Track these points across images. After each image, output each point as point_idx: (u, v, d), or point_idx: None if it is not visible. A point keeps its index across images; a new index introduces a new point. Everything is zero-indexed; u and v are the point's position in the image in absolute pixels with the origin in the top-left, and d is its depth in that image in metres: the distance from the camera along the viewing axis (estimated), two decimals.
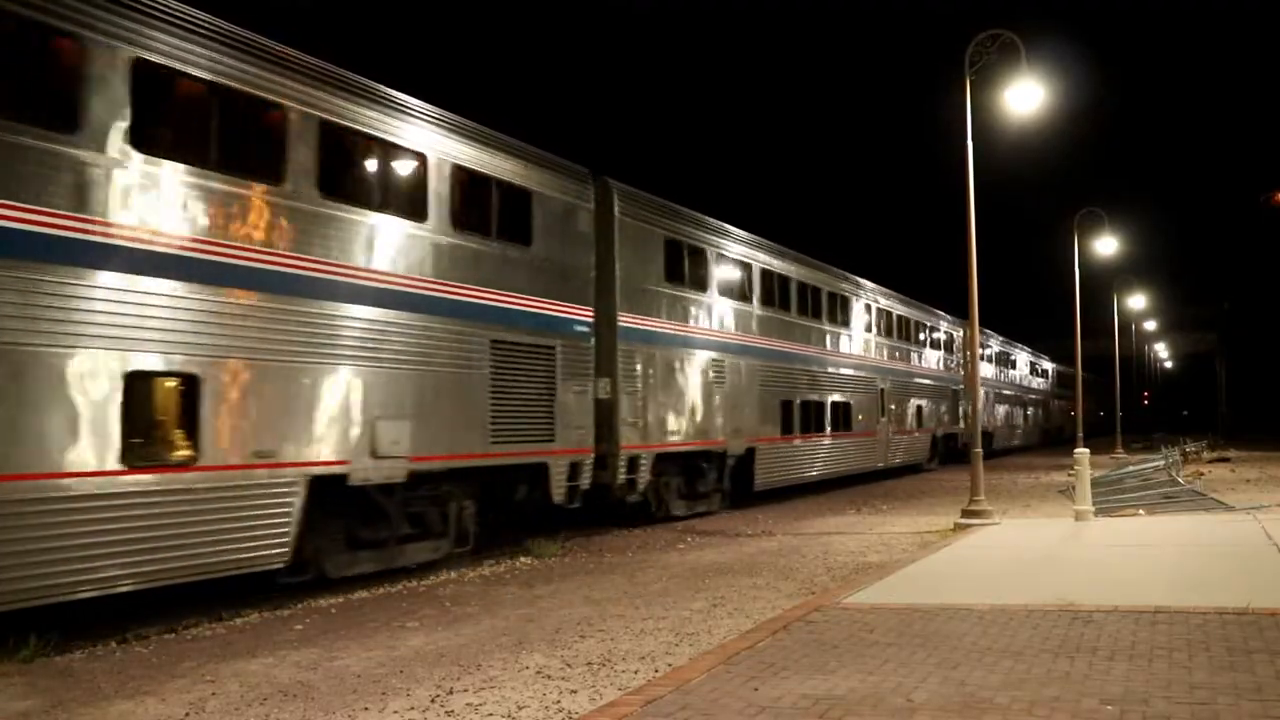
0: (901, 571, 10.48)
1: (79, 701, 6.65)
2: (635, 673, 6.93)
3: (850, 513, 19.18)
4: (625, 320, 16.00)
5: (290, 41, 10.45)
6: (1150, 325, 71.68)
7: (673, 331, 17.39)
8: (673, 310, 17.41)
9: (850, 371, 25.88)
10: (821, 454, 23.57)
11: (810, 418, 22.93)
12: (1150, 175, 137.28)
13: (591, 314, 14.93)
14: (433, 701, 6.40)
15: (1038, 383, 56.44)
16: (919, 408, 32.09)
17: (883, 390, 28.37)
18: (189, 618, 9.40)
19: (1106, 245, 35.07)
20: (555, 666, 7.22)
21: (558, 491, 13.85)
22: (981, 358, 37.81)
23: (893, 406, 29.21)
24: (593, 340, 14.88)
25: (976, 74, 16.06)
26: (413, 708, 6.28)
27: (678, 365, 17.32)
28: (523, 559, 13.34)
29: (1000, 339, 45.91)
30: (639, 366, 16.16)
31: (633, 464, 15.85)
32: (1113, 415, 51.28)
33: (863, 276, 29.06)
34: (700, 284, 18.50)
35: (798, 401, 22.25)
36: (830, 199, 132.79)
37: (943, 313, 36.29)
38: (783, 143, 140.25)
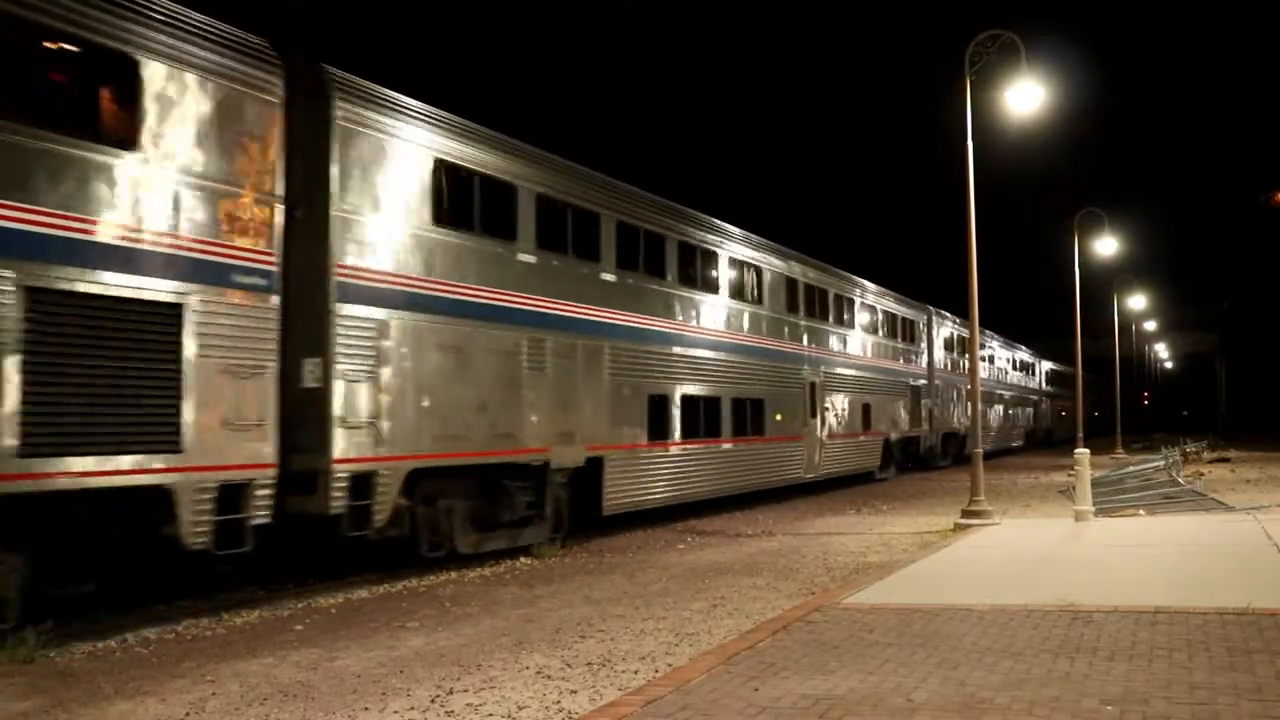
0: (902, 572, 10.48)
1: (79, 701, 6.65)
2: (635, 673, 6.93)
3: (850, 513, 19.18)
4: (352, 274, 11.04)
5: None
6: (1150, 325, 71.73)
7: (449, 295, 12.35)
8: (452, 265, 12.43)
9: (763, 361, 20.77)
10: (714, 464, 18.53)
11: (697, 418, 17.98)
12: (1150, 175, 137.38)
13: (274, 259, 10.21)
14: (433, 701, 6.40)
15: (1023, 380, 52.24)
16: (866, 406, 27.00)
17: (813, 385, 23.32)
18: (189, 618, 9.41)
19: (1106, 245, 35.11)
20: (555, 667, 7.22)
21: (193, 530, 9.19)
22: (948, 349, 36.14)
23: (827, 406, 24.16)
24: (277, 299, 10.21)
25: (976, 74, 16.07)
26: (413, 708, 6.28)
27: (459, 343, 12.39)
28: (523, 559, 13.34)
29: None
30: (380, 342, 11.30)
31: (362, 484, 10.93)
32: (1109, 415, 51.11)
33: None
34: (504, 231, 13.44)
35: (676, 397, 17.22)
36: (831, 199, 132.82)
37: (901, 295, 31.49)
38: (783, 143, 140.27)
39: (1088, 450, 16.40)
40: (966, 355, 37.73)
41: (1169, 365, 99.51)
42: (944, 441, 34.96)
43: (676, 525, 17.23)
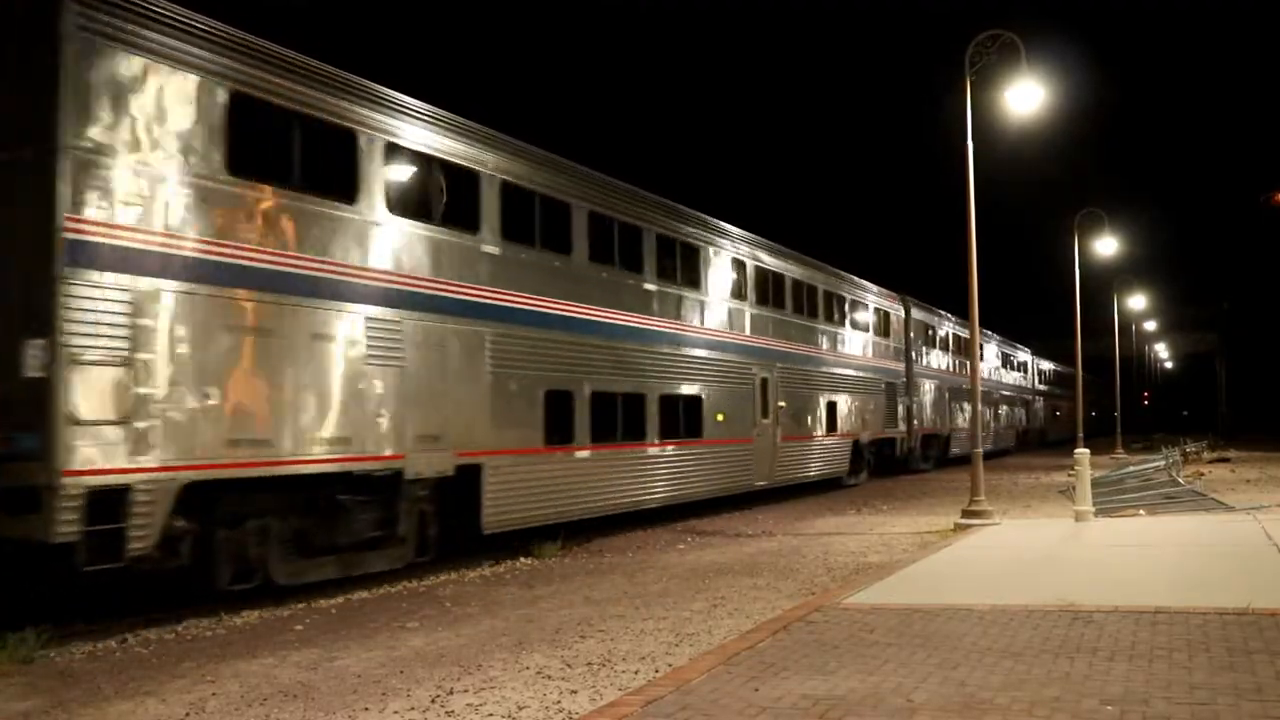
0: (902, 572, 10.48)
1: (79, 701, 6.65)
2: (635, 673, 6.93)
3: (850, 513, 19.18)
4: (94, 232, 8.53)
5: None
6: (1150, 325, 71.72)
7: (251, 263, 9.78)
8: (259, 227, 9.92)
9: (702, 353, 18.26)
10: (634, 471, 15.98)
11: (613, 418, 15.47)
12: (1150, 175, 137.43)
13: None
14: (433, 702, 6.40)
15: (1013, 378, 49.81)
16: (832, 405, 24.39)
17: (765, 381, 20.66)
18: (189, 618, 9.40)
19: (1106, 245, 35.12)
20: (555, 667, 7.22)
21: None
22: (929, 343, 33.96)
23: (783, 404, 21.41)
24: None
25: (976, 74, 16.06)
26: (413, 708, 6.28)
27: (269, 325, 9.91)
28: (523, 559, 13.34)
29: (954, 321, 37.07)
30: (140, 320, 8.79)
31: (109, 503, 8.42)
32: (1106, 416, 50.81)
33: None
34: (339, 189, 10.90)
35: (584, 393, 14.68)
36: (831, 199, 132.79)
37: (870, 284, 28.58)
38: (783, 143, 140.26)
39: (1088, 450, 16.40)
40: (950, 351, 36.46)
41: (1169, 365, 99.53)
42: (925, 443, 32.93)
43: (676, 525, 17.23)
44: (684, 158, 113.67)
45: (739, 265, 20.16)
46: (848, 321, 26.15)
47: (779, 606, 9.19)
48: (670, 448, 16.95)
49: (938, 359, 34.86)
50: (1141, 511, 16.47)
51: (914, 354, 31.88)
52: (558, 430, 14.08)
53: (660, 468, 16.77)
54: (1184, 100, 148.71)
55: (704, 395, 18.21)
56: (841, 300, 25.78)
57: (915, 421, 31.48)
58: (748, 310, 20.36)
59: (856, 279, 27.39)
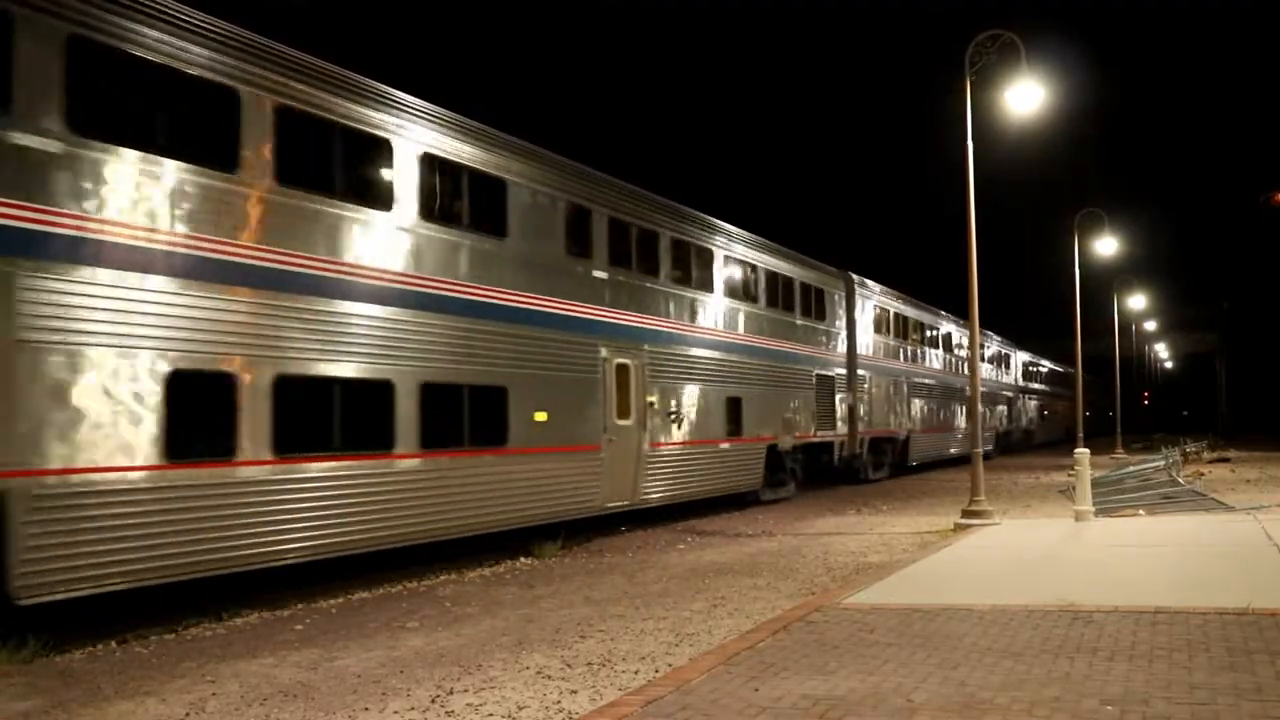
0: (902, 572, 10.48)
1: (79, 701, 6.65)
2: (635, 673, 6.93)
3: (850, 513, 19.18)
4: None
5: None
6: (1150, 325, 71.77)
7: None
8: None
9: (500, 326, 13.09)
10: (365, 497, 10.92)
11: (324, 418, 10.69)
12: (1150, 175, 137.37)
13: None
14: (433, 701, 6.40)
15: (991, 372, 44.23)
16: (734, 403, 19.29)
17: (624, 368, 15.79)
18: (189, 618, 9.41)
19: (1106, 245, 35.09)
20: (555, 667, 7.22)
21: None
22: (883, 330, 28.76)
23: (654, 399, 16.50)
24: None
25: (976, 74, 16.06)
26: (413, 708, 6.28)
27: None
28: (523, 559, 13.34)
29: (917, 306, 32.46)
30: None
31: None
32: (1104, 416, 50.60)
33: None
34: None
35: (261, 381, 9.81)
36: (831, 199, 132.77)
37: (800, 255, 23.46)
38: (783, 143, 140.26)
39: (1088, 450, 16.40)
40: (911, 340, 31.39)
41: (1169, 365, 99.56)
42: (875, 448, 27.72)
43: (677, 525, 17.22)
44: (684, 157, 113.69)
45: (582, 214, 15.09)
46: (761, 298, 20.91)
47: (779, 606, 9.20)
48: (445, 459, 12.10)
49: (894, 349, 29.67)
50: (1141, 511, 16.47)
51: (861, 342, 26.73)
52: (201, 437, 9.41)
53: (418, 490, 11.72)
54: (1184, 100, 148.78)
55: (510, 387, 13.27)
56: (752, 270, 20.65)
57: (861, 421, 26.28)
58: (596, 275, 15.35)
59: (777, 246, 22.20)
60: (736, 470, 19.50)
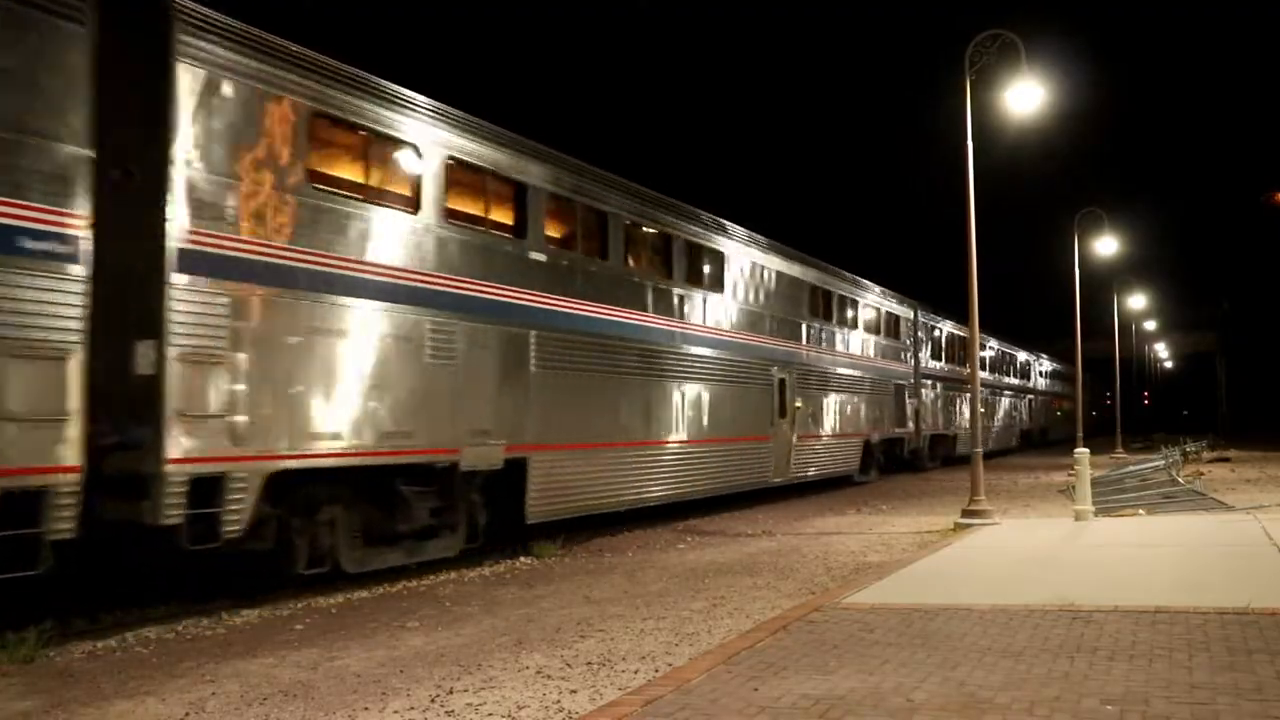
0: (902, 571, 10.49)
1: (79, 701, 6.65)
2: (635, 673, 6.93)
3: (850, 513, 19.18)
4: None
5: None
6: (1150, 325, 71.75)
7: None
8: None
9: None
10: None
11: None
12: (1150, 175, 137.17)
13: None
14: (433, 701, 6.40)
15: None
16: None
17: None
18: (189, 618, 9.41)
19: (1106, 245, 35.11)
20: (555, 666, 7.23)
21: None
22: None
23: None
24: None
25: (976, 74, 16.07)
26: (413, 708, 6.28)
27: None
28: (523, 559, 13.34)
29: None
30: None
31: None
32: (1105, 416, 50.78)
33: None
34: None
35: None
36: (831, 199, 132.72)
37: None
38: (783, 143, 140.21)
39: (1088, 450, 16.41)
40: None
41: (1169, 365, 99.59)
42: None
43: (677, 525, 17.23)
44: (684, 157, 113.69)
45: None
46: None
47: (779, 606, 9.20)
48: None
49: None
50: (1141, 511, 16.47)
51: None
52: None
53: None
54: (1184, 100, 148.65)
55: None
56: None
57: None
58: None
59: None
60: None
